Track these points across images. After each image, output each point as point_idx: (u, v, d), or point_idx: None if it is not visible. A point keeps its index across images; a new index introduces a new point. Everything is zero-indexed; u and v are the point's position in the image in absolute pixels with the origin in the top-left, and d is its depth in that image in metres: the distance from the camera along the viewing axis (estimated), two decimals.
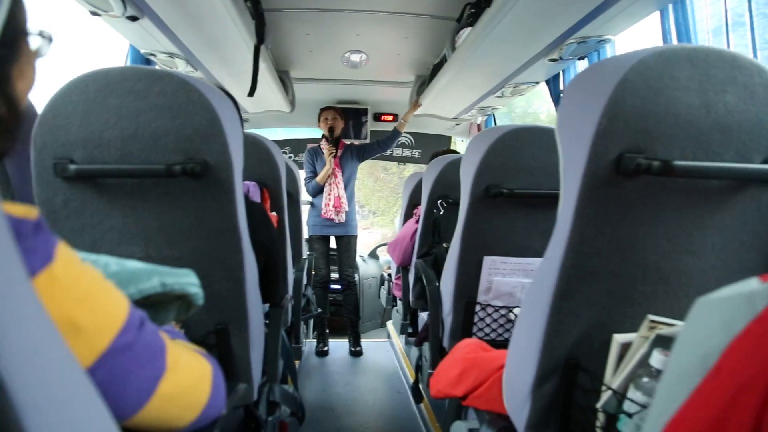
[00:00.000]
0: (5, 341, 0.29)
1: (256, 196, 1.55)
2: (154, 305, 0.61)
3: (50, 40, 0.44)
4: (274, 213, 1.70)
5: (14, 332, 0.30)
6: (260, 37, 2.03)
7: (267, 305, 1.43)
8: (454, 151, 2.81)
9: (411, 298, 2.21)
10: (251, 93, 2.23)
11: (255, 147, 1.63)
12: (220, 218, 0.98)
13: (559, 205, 0.84)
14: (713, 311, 0.42)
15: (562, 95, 2.30)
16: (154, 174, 0.91)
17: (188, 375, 0.55)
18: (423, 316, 2.06)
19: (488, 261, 1.47)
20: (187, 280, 0.63)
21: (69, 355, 0.36)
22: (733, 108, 0.72)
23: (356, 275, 3.75)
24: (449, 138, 4.26)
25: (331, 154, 3.18)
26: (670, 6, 1.55)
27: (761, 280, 0.40)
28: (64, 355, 0.35)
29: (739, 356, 0.38)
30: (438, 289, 1.70)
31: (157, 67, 2.08)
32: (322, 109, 3.33)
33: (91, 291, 0.45)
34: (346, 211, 3.26)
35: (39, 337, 0.33)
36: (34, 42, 0.43)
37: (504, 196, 1.37)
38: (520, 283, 1.48)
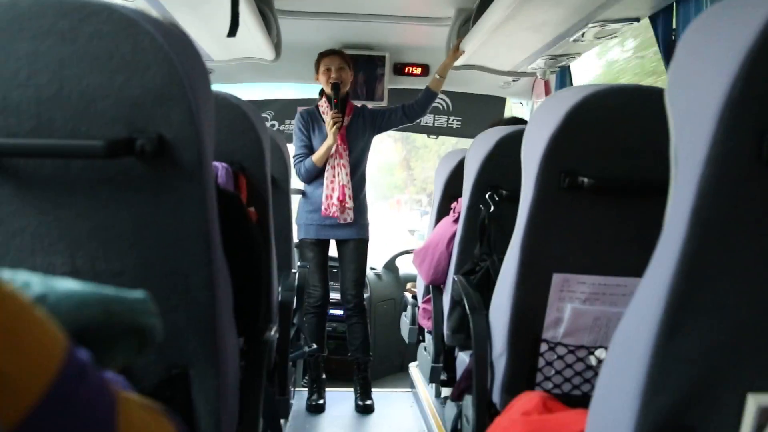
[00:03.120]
0: None
1: (227, 185, 1.57)
2: (92, 342, 0.62)
3: None
4: (253, 208, 1.71)
5: None
6: None
7: (242, 339, 1.44)
8: (519, 120, 2.78)
9: (446, 332, 2.21)
10: (232, 32, 2.23)
11: (227, 113, 1.65)
12: (179, 217, 0.99)
13: (668, 204, 0.83)
14: None
15: (676, 40, 2.29)
16: (86, 153, 0.92)
17: None
18: (463, 358, 2.06)
19: (559, 280, 1.47)
20: (140, 307, 0.64)
21: None
22: None
23: (366, 296, 3.77)
24: (503, 100, 4.25)
25: (336, 123, 3.19)
26: None
27: None
28: None
29: None
30: (486, 319, 1.70)
31: None
32: (322, 55, 3.34)
33: (13, 324, 0.46)
34: (353, 207, 3.27)
35: None
36: None
37: (585, 187, 1.37)
38: (607, 314, 1.47)
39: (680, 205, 0.79)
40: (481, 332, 1.69)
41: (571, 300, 1.48)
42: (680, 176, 0.81)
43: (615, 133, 1.38)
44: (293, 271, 2.43)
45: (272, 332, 1.67)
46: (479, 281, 1.97)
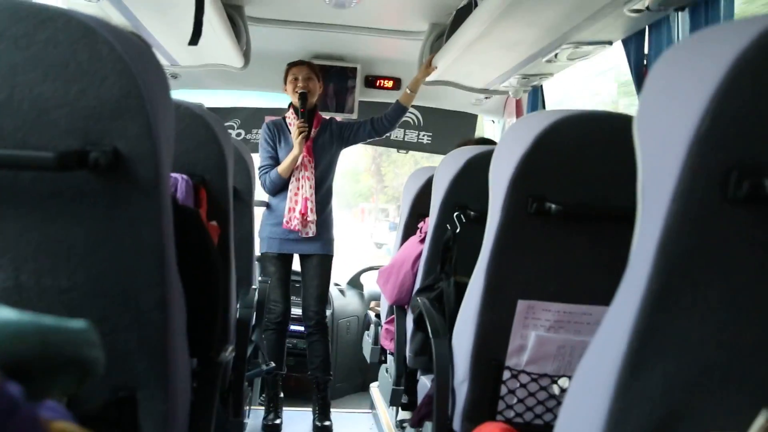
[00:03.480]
0: None
1: (187, 198, 1.55)
2: (27, 374, 0.60)
3: None
4: (214, 222, 1.69)
5: None
6: None
7: (195, 360, 1.42)
8: (489, 141, 2.81)
9: (408, 354, 2.20)
10: (194, 40, 2.22)
11: (189, 123, 1.63)
12: (133, 233, 0.97)
13: (635, 238, 0.84)
14: None
15: (648, 65, 2.32)
16: (36, 165, 0.90)
17: None
18: (425, 382, 2.06)
19: (524, 307, 1.47)
20: (81, 338, 0.62)
21: None
22: None
23: (328, 313, 3.74)
24: (474, 117, 4.29)
25: (302, 132, 3.18)
26: None
27: None
28: None
29: None
30: (448, 344, 1.70)
31: None
32: (291, 65, 3.34)
33: None
34: (317, 221, 3.25)
35: None
36: None
37: (552, 213, 1.38)
38: (571, 342, 1.48)
39: (646, 240, 0.80)
40: (443, 357, 1.68)
41: (535, 327, 1.48)
42: (647, 210, 0.81)
43: (585, 159, 1.39)
44: (253, 287, 2.40)
45: (228, 352, 1.64)
46: (434, 300, 1.97)
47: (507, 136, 1.50)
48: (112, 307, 1.00)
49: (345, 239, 5.82)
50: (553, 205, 1.38)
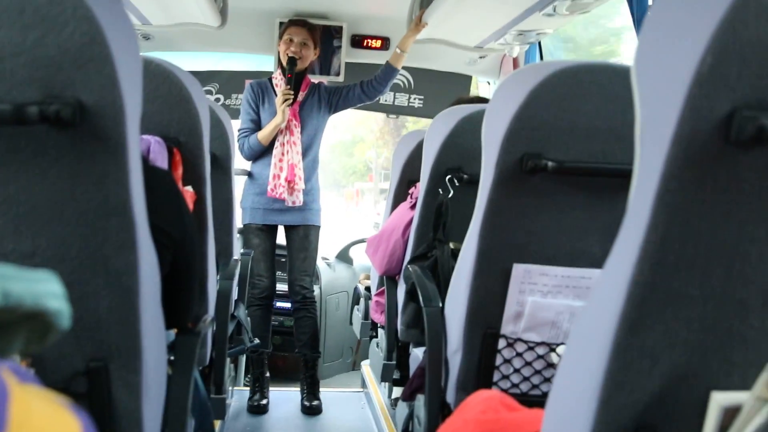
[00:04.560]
0: None
1: (160, 160, 1.54)
2: None
3: None
4: (189, 188, 1.68)
5: None
6: None
7: (173, 332, 1.42)
8: (484, 99, 2.79)
9: (400, 326, 2.21)
10: None
11: (161, 81, 1.61)
12: (100, 192, 0.96)
13: (632, 188, 0.84)
14: None
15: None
16: None
17: None
18: (417, 355, 2.07)
19: (520, 271, 1.47)
20: (44, 288, 0.61)
21: None
22: None
23: (316, 288, 3.75)
24: (468, 78, 4.27)
25: (286, 100, 3.16)
26: None
27: None
28: None
29: None
30: (441, 312, 1.70)
31: None
32: (289, 24, 3.32)
33: None
34: (304, 189, 3.25)
35: None
36: None
37: (548, 170, 1.37)
38: (569, 308, 1.49)
39: (644, 189, 0.80)
40: (436, 327, 1.69)
41: (532, 293, 1.48)
42: (644, 157, 0.81)
43: (582, 114, 1.38)
44: (235, 258, 2.40)
45: (206, 323, 1.65)
46: (432, 270, 1.97)
47: (499, 92, 1.49)
48: (79, 272, 0.99)
49: (333, 232, 5.71)
50: (549, 162, 1.37)
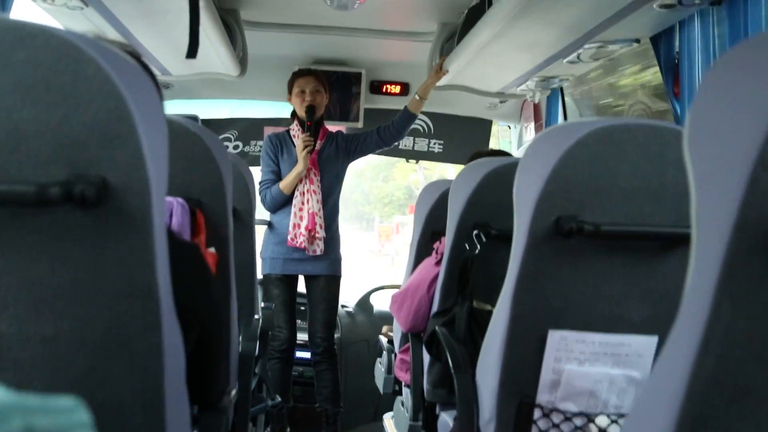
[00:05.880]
0: None
1: (183, 224, 1.52)
2: None
3: None
4: (212, 249, 1.66)
5: None
6: None
7: (195, 407, 1.39)
8: (502, 153, 2.79)
9: (426, 386, 2.17)
10: (191, 53, 2.20)
11: (184, 141, 1.61)
12: (125, 274, 0.94)
13: (689, 273, 0.79)
14: None
15: (679, 63, 2.30)
16: (15, 199, 0.87)
17: None
18: (446, 420, 2.02)
19: (555, 338, 1.44)
20: (70, 420, 0.58)
21: None
22: None
23: (336, 337, 3.71)
24: (489, 123, 4.27)
25: (307, 146, 3.16)
26: None
27: None
28: None
29: None
30: (472, 379, 1.66)
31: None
32: (297, 75, 3.34)
33: None
34: (324, 238, 3.23)
35: None
36: None
37: (585, 234, 1.34)
38: (608, 376, 1.45)
39: (703, 276, 0.75)
40: (467, 395, 1.65)
41: (568, 360, 1.44)
42: (702, 241, 0.77)
43: (618, 175, 1.36)
44: (256, 317, 2.37)
45: (231, 395, 1.62)
46: (448, 327, 1.95)
47: (530, 152, 1.47)
48: (102, 356, 0.96)
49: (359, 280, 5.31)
50: (585, 226, 1.34)
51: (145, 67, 1.33)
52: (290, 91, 3.33)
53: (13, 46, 0.87)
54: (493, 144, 4.39)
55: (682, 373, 0.77)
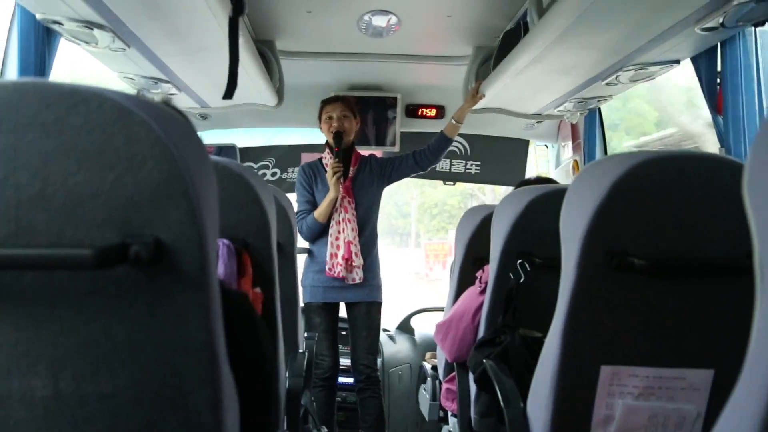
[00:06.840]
0: None
1: (229, 266, 1.52)
2: None
3: None
4: (258, 289, 1.66)
5: None
6: (238, 4, 2.03)
7: None
8: (547, 180, 2.77)
9: (473, 416, 2.15)
10: (229, 93, 2.22)
11: (228, 184, 1.62)
12: (180, 330, 0.94)
13: (755, 325, 0.78)
14: None
15: (721, 83, 2.27)
16: (73, 263, 0.88)
17: None
18: None
19: (608, 372, 1.41)
20: None
21: None
22: None
23: (378, 362, 3.69)
24: (526, 143, 4.24)
25: (336, 174, 3.17)
26: None
27: None
28: None
29: None
30: (524, 414, 1.64)
31: (63, 36, 2.08)
32: (325, 103, 3.35)
33: None
34: (363, 265, 3.23)
35: None
36: None
37: (636, 269, 1.32)
38: (664, 410, 1.41)
39: None
40: (519, 430, 1.63)
41: (622, 395, 1.42)
42: (767, 294, 0.75)
43: (668, 206, 1.33)
44: (300, 351, 2.37)
45: None
46: (498, 358, 1.92)
47: (577, 184, 1.45)
48: (159, 412, 0.97)
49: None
50: (636, 260, 1.32)
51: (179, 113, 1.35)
52: (320, 119, 3.34)
53: (68, 111, 0.89)
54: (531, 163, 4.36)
55: (754, 419, 0.75)
